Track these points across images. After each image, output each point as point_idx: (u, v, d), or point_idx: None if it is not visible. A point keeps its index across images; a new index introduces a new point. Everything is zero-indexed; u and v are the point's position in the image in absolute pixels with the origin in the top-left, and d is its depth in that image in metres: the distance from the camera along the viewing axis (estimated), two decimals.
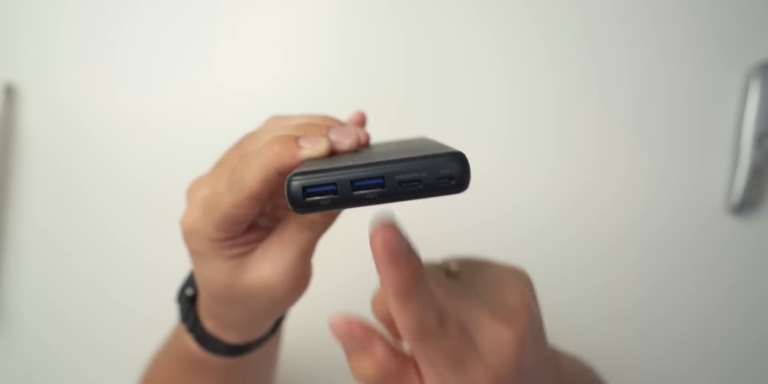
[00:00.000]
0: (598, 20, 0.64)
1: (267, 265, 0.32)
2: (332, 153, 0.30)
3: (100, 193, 0.65)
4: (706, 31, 0.63)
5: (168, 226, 0.64)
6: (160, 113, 0.65)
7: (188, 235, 0.33)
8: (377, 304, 0.31)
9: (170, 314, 0.54)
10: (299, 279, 0.33)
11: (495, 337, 0.27)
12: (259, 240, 0.33)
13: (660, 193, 0.64)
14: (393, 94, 0.64)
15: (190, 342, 0.38)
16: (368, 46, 0.64)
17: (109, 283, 0.65)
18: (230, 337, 0.37)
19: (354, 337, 0.27)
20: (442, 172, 0.24)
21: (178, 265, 0.51)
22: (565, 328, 0.63)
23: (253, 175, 0.29)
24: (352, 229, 0.57)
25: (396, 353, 0.28)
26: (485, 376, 0.27)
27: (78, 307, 0.65)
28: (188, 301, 0.38)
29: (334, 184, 0.24)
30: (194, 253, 0.34)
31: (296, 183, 0.24)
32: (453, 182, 0.24)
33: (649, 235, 0.64)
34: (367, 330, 0.27)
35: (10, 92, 0.64)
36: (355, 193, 0.24)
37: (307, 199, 0.24)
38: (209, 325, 0.37)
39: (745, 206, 0.63)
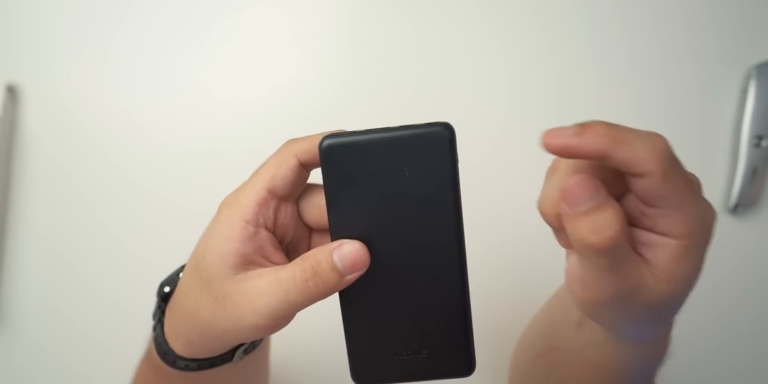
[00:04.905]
0: (598, 20, 0.64)
1: (249, 309, 0.31)
2: None
3: (101, 194, 0.65)
4: (706, 31, 0.64)
5: (167, 226, 0.64)
6: (161, 115, 0.65)
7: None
8: (545, 205, 0.29)
9: None
10: (275, 329, 0.32)
11: (690, 174, 0.28)
12: (262, 264, 0.33)
13: None
14: (398, 93, 0.64)
15: (154, 347, 0.37)
16: (374, 47, 0.64)
17: (109, 283, 0.65)
18: (178, 347, 0.36)
19: (599, 188, 0.25)
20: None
21: (177, 266, 0.51)
22: None
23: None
24: None
25: None
26: (706, 199, 0.28)
27: (78, 307, 0.65)
28: (162, 299, 0.37)
29: None
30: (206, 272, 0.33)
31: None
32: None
33: None
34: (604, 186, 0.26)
35: (13, 93, 0.64)
36: None
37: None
38: (167, 326, 0.36)
39: (743, 206, 0.63)
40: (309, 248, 0.36)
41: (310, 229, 0.36)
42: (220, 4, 0.64)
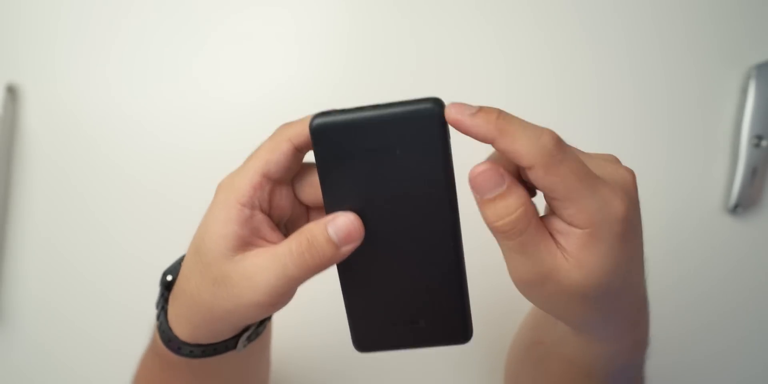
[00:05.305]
0: (598, 20, 0.64)
1: (248, 287, 0.32)
2: None
3: (100, 194, 0.65)
4: (706, 31, 0.64)
5: (167, 226, 0.64)
6: (161, 115, 0.65)
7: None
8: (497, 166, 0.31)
9: None
10: (276, 306, 0.33)
11: (617, 173, 0.30)
12: (260, 244, 0.33)
13: (659, 192, 0.64)
14: (397, 93, 0.64)
15: (158, 335, 0.37)
16: (373, 47, 0.64)
17: (109, 283, 0.65)
18: (182, 333, 0.36)
19: (501, 178, 0.28)
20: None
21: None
22: None
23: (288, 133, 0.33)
24: None
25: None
26: (616, 195, 0.28)
27: (78, 307, 0.65)
28: (165, 287, 0.37)
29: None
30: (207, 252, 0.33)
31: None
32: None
33: (647, 234, 0.64)
34: (510, 174, 0.29)
35: (13, 93, 0.64)
36: None
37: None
38: (170, 313, 0.36)
39: (743, 206, 0.63)
40: None
41: (308, 208, 0.36)
42: (220, 4, 0.64)
